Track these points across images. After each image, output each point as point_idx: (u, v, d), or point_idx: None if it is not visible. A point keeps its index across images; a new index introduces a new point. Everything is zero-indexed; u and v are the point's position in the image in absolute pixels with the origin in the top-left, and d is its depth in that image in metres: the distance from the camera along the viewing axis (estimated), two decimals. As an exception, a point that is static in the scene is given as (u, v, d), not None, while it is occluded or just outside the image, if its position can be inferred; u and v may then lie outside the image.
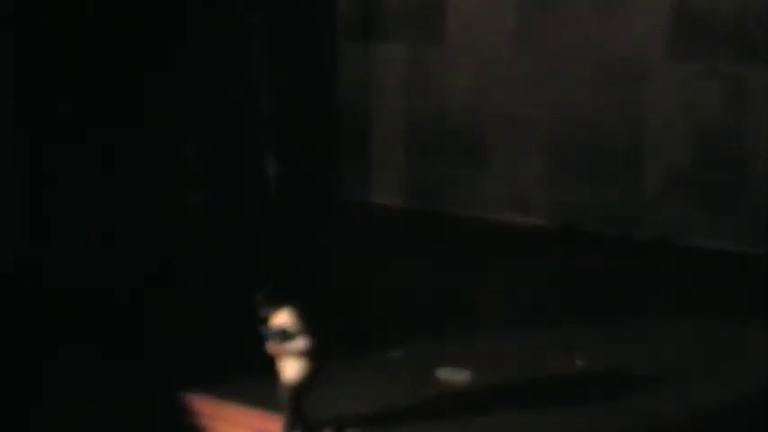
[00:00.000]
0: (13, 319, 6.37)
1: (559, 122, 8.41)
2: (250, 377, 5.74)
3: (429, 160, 8.82)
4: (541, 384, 5.88)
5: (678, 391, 5.79)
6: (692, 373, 5.98)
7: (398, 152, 8.97)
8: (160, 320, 6.67)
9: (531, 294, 7.13)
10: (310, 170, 8.93)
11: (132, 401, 5.83)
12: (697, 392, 5.74)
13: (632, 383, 5.90)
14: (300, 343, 5.06)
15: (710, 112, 8.01)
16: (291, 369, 5.14)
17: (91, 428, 5.77)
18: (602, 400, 5.72)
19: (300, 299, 5.22)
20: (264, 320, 5.30)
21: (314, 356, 5.10)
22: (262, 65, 8.60)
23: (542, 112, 8.44)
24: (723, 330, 6.50)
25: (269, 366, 5.47)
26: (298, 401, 5.16)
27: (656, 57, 8.11)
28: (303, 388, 5.14)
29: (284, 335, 5.11)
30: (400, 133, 8.99)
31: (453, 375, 5.97)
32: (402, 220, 8.77)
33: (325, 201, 8.89)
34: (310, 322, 5.08)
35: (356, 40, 9.06)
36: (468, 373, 5.97)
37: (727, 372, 5.98)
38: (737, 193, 7.97)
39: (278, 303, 5.15)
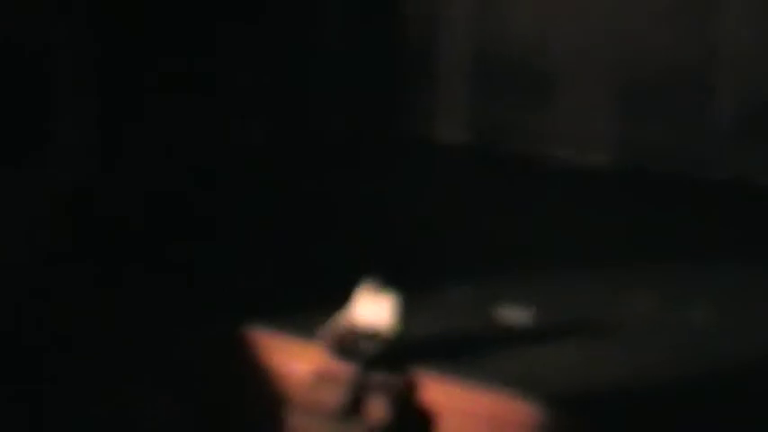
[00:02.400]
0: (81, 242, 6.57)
1: (629, 58, 8.18)
2: (308, 311, 5.75)
3: (494, 96, 8.66)
4: (602, 324, 5.80)
5: (739, 334, 5.69)
6: (755, 318, 5.86)
7: (464, 88, 8.84)
8: (219, 253, 6.76)
9: (595, 234, 7.00)
10: (375, 106, 8.89)
11: (190, 333, 5.96)
12: (759, 337, 5.65)
13: (693, 326, 5.80)
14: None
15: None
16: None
17: (149, 359, 5.95)
18: (663, 342, 5.65)
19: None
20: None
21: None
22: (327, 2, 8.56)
23: (612, 47, 8.21)
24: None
25: (327, 301, 5.57)
26: (361, 384, 5.27)
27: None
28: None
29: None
30: (466, 68, 8.84)
31: (514, 315, 5.92)
32: (466, 157, 8.67)
33: (388, 137, 8.84)
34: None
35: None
36: (529, 313, 5.93)
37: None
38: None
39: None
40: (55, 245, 6.45)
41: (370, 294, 5.34)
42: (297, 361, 5.63)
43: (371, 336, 5.36)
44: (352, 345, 5.38)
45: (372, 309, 5.34)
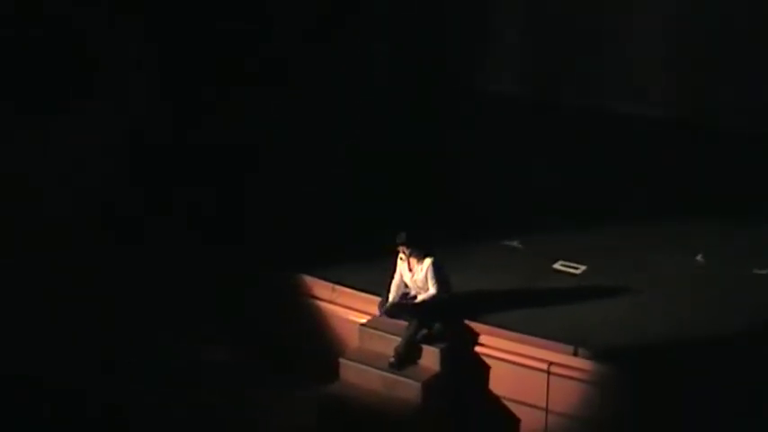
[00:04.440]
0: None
1: (684, 6, 8.04)
2: (365, 264, 5.85)
3: (546, 46, 8.56)
4: (659, 280, 5.83)
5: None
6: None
7: (514, 38, 8.74)
8: (282, 205, 6.84)
9: (648, 188, 7.00)
10: (425, 57, 8.82)
11: (250, 282, 6.05)
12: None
13: (752, 281, 5.81)
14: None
15: None
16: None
17: (206, 307, 6.10)
18: (720, 297, 5.67)
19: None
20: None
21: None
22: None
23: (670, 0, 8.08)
24: None
25: (385, 256, 5.57)
26: (415, 337, 5.39)
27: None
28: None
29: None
30: (517, 18, 8.73)
31: (569, 268, 5.96)
32: (517, 109, 8.62)
33: (440, 88, 8.79)
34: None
35: None
36: (584, 267, 5.94)
37: None
38: None
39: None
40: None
41: (413, 256, 5.38)
42: (354, 313, 5.73)
43: (423, 293, 5.42)
44: (406, 300, 5.46)
45: (417, 269, 5.40)
